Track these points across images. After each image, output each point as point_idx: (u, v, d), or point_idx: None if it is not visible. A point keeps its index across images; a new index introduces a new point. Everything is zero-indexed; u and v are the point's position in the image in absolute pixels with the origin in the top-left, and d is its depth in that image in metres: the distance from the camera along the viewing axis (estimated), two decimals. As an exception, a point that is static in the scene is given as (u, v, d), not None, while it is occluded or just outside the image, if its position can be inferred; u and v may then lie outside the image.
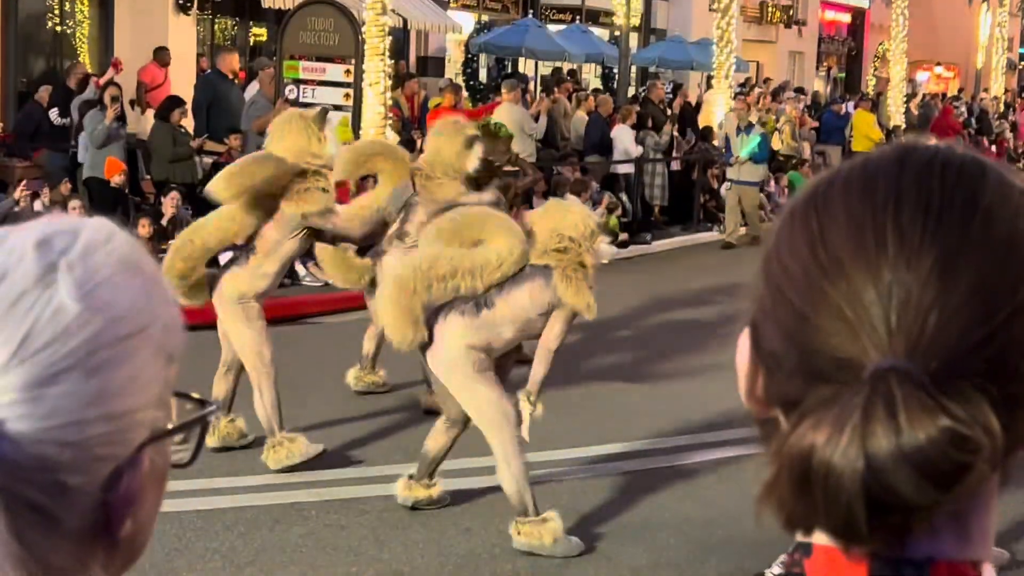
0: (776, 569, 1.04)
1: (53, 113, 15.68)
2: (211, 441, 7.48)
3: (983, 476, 0.90)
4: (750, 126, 18.50)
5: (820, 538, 0.98)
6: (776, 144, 24.16)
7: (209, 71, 16.55)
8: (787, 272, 1.00)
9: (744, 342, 1.04)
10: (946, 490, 0.90)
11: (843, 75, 43.74)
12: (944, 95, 36.42)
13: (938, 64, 44.24)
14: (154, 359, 1.01)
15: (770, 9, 37.37)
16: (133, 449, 0.99)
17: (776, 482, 0.93)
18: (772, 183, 22.55)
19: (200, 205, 14.36)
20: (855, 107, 26.81)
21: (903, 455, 0.89)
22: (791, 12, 38.09)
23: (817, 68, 41.39)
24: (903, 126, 29.85)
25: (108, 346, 0.97)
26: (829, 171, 1.05)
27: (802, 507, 0.93)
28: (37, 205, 12.84)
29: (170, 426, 1.03)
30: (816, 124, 25.76)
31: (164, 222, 13.14)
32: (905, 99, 30.93)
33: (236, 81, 17.07)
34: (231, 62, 16.73)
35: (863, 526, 0.91)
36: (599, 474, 7.98)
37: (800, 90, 30.09)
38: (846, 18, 43.91)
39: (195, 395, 1.08)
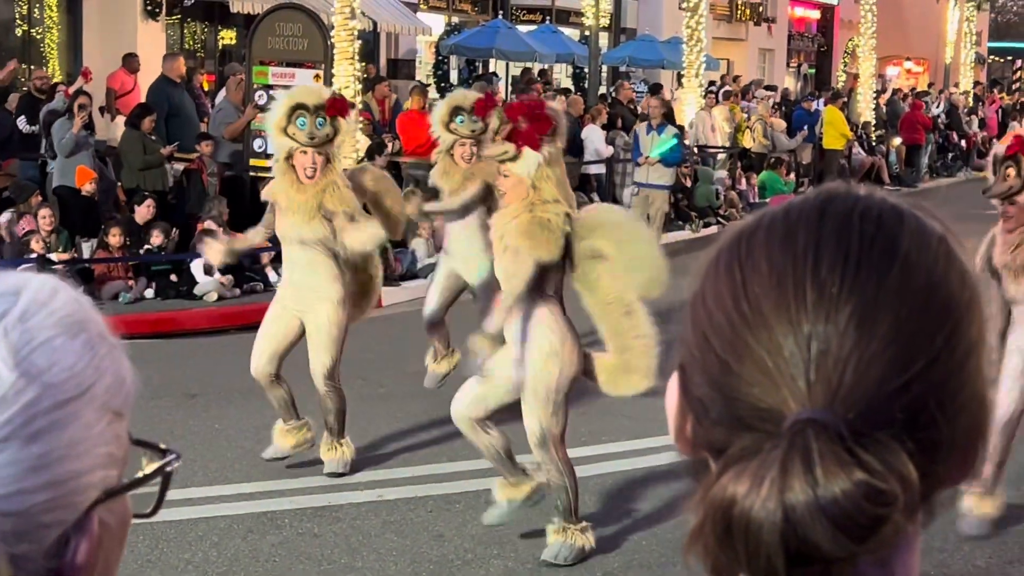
0: None
1: (21, 121, 15.61)
2: None
3: (899, 527, 0.92)
4: (663, 125, 16.92)
5: None
6: (748, 142, 24.24)
7: (159, 78, 16.48)
8: (712, 320, 1.01)
9: (673, 385, 1.06)
10: (862, 542, 0.91)
11: (813, 71, 43.88)
12: (914, 90, 36.54)
13: (908, 59, 44.40)
14: (99, 419, 1.00)
15: (740, 7, 37.47)
16: (81, 512, 0.98)
17: (701, 530, 0.95)
18: (743, 181, 22.63)
19: (168, 212, 14.36)
20: (825, 104, 26.90)
21: (820, 508, 0.91)
22: (760, 10, 38.21)
23: (787, 65, 41.51)
24: (873, 122, 29.97)
25: (46, 412, 0.96)
26: (753, 216, 1.07)
27: (725, 556, 0.94)
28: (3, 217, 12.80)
29: (125, 481, 1.03)
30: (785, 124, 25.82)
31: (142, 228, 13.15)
32: (875, 95, 31.04)
33: (185, 86, 16.98)
34: (177, 67, 16.63)
35: None
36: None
37: (771, 87, 30.16)
38: (815, 15, 44.04)
39: (157, 444, 1.08)
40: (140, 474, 1.07)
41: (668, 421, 1.07)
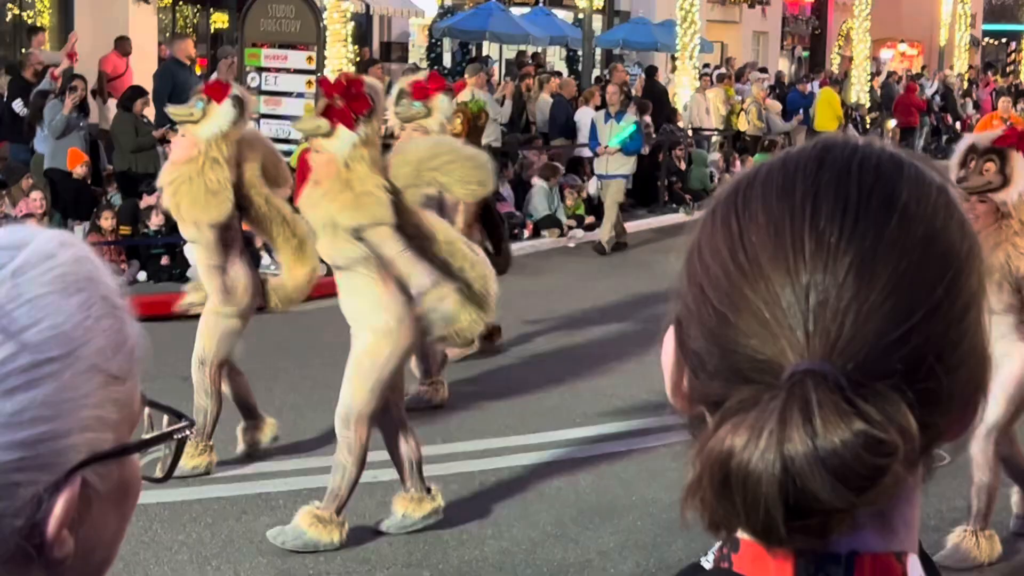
0: (707, 561, 1.05)
1: (17, 104, 15.56)
2: None
3: (899, 478, 0.91)
4: (622, 112, 16.34)
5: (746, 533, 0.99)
6: (743, 125, 24.23)
7: (166, 59, 16.45)
8: (708, 272, 1.00)
9: (669, 339, 1.05)
10: (862, 492, 0.91)
11: (807, 54, 43.84)
12: (908, 72, 36.53)
13: (902, 41, 44.37)
14: (86, 380, 0.98)
15: (734, -11, 37.40)
16: (61, 475, 0.97)
17: (698, 484, 0.94)
18: (737, 163, 22.62)
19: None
20: (820, 86, 26.89)
21: (819, 459, 0.90)
22: (755, -8, 38.13)
23: (781, 48, 41.47)
24: (867, 104, 29.95)
25: (22, 370, 0.95)
26: (751, 168, 1.05)
27: (723, 509, 0.93)
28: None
29: (113, 448, 1.01)
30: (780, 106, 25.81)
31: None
32: (869, 77, 31.03)
33: (194, 67, 16.97)
34: (186, 48, 16.64)
35: (781, 528, 0.92)
36: (565, 457, 8.00)
37: (763, 70, 30.14)
38: (810, -3, 43.99)
39: (172, 408, 1.07)
40: (145, 437, 1.06)
41: (664, 376, 1.05)
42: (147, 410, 1.07)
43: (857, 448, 0.90)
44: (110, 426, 1.00)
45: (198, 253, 7.65)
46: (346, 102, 6.34)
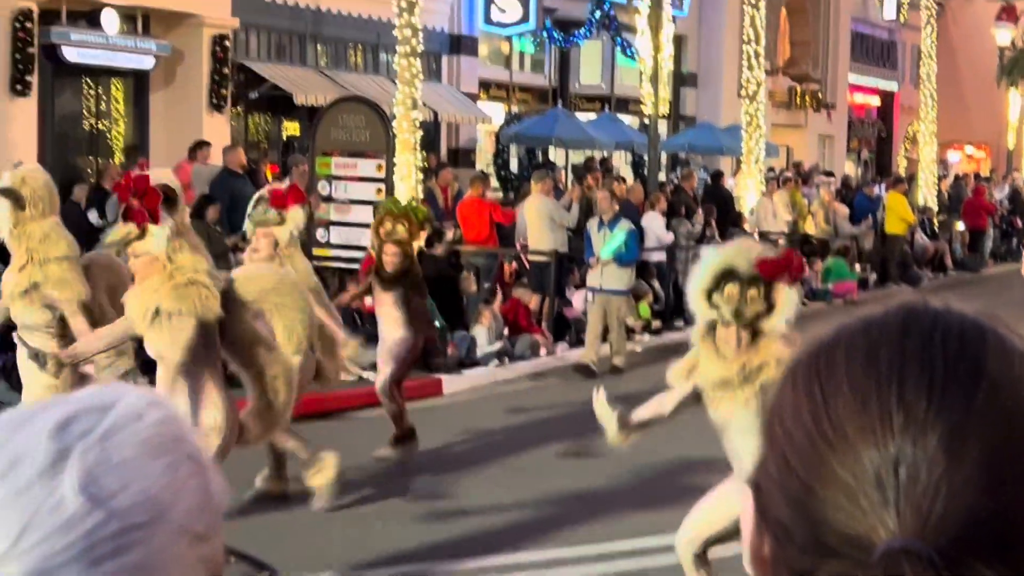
0: None
1: (93, 215, 15.84)
2: None
3: None
4: (615, 219, 14.97)
5: None
6: (810, 228, 24.17)
7: (221, 170, 16.69)
8: (792, 440, 1.00)
9: (748, 503, 1.04)
10: None
11: (873, 157, 43.81)
12: (976, 175, 36.38)
13: (969, 144, 44.26)
14: (174, 542, 0.99)
15: (799, 94, 37.56)
16: None
17: None
18: (806, 267, 22.51)
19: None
20: (887, 189, 26.81)
21: None
22: (820, 96, 38.26)
23: (847, 150, 41.48)
24: (935, 207, 29.82)
25: (111, 538, 0.95)
26: (830, 331, 1.05)
27: None
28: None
29: None
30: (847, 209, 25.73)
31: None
32: (936, 180, 30.92)
33: (249, 175, 17.18)
34: (238, 157, 16.84)
35: None
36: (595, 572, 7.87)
37: (829, 173, 30.12)
38: (875, 101, 44.07)
39: (256, 558, 1.07)
40: None
41: (743, 541, 1.05)
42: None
43: None
44: None
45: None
46: (140, 201, 6.40)
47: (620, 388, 13.72)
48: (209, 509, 1.03)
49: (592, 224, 15.26)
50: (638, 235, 15.94)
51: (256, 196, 9.42)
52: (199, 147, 18.03)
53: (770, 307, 5.72)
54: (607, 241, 14.74)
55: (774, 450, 1.01)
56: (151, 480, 0.99)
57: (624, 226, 14.94)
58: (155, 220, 6.41)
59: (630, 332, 16.00)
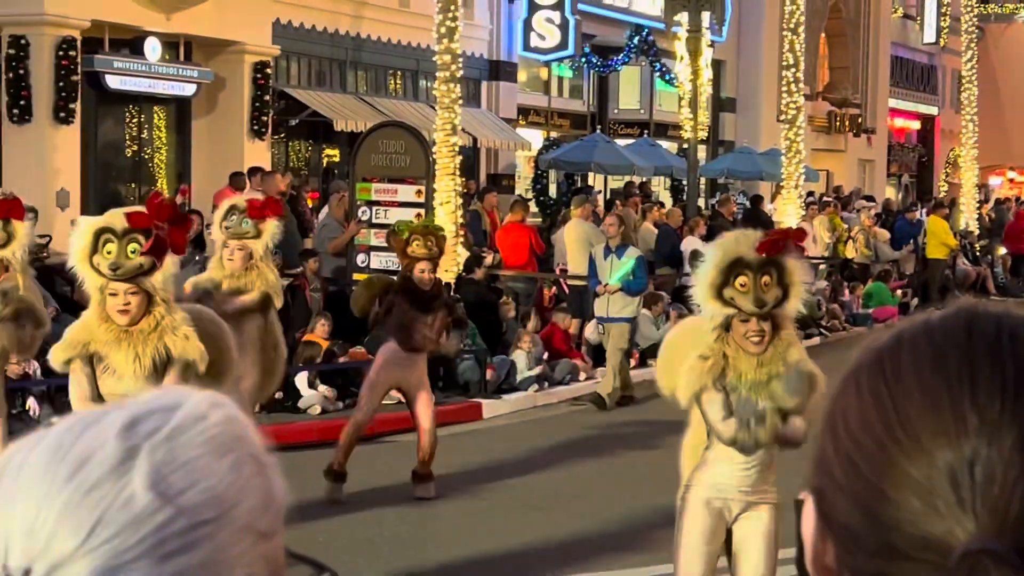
0: None
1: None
2: None
3: None
4: (623, 246, 14.20)
5: None
6: (850, 253, 24.08)
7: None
8: (859, 445, 0.99)
9: (809, 510, 1.04)
10: None
11: (914, 181, 43.61)
12: (1018, 199, 36.14)
13: (1011, 168, 43.98)
14: (238, 540, 1.00)
15: (839, 118, 37.45)
16: None
17: None
18: (846, 292, 22.43)
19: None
20: (928, 214, 26.69)
21: None
22: (860, 121, 38.14)
23: (888, 175, 41.30)
24: (977, 232, 29.64)
25: (179, 534, 0.97)
26: (890, 336, 1.05)
27: None
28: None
29: None
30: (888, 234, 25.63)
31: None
32: (977, 204, 30.74)
33: (288, 201, 17.23)
34: (276, 184, 16.94)
35: None
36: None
37: (870, 198, 30.01)
38: (915, 125, 43.89)
39: (315, 560, 1.08)
40: None
41: (805, 550, 1.04)
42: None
43: None
44: None
45: None
46: (172, 227, 5.75)
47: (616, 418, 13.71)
48: (272, 508, 1.04)
49: (598, 251, 14.38)
50: (646, 264, 15.31)
51: (229, 205, 9.29)
52: (252, 173, 18.11)
53: (785, 293, 5.50)
54: (616, 269, 14.07)
55: (839, 455, 1.01)
56: (217, 478, 1.00)
57: (632, 253, 14.29)
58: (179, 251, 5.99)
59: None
